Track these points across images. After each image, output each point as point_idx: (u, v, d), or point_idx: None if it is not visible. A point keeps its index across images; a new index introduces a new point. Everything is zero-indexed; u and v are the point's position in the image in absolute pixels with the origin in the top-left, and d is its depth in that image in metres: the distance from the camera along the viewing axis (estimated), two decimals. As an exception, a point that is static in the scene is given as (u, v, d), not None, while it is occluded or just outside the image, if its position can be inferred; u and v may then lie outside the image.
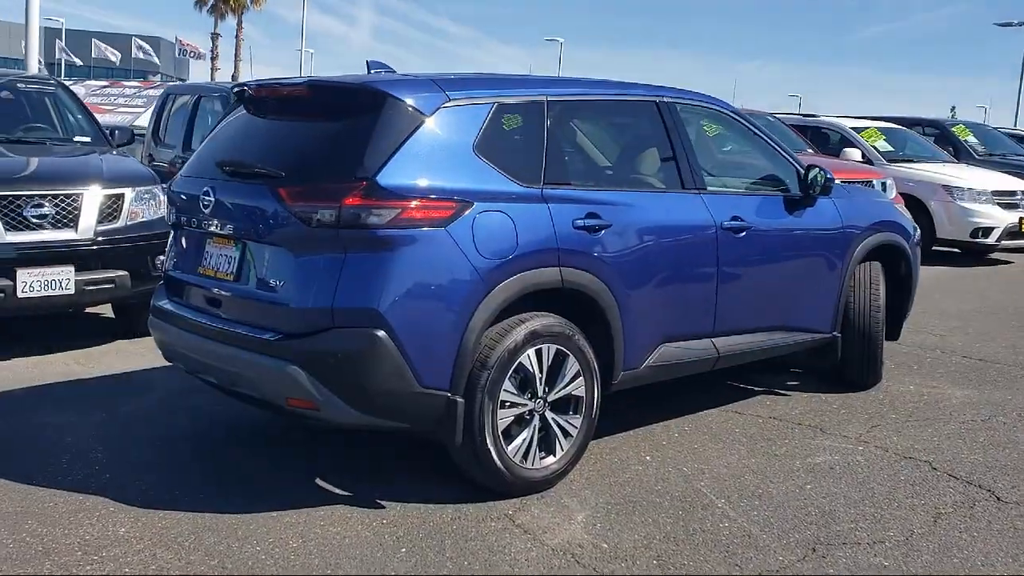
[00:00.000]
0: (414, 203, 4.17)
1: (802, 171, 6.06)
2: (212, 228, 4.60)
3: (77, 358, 7.03)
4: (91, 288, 6.84)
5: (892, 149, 14.53)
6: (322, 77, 4.75)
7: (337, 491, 4.65)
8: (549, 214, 4.62)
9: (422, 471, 4.88)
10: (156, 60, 63.70)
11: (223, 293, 4.55)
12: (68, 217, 6.78)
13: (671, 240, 5.20)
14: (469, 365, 4.32)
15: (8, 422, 5.53)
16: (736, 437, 5.63)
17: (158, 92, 30.48)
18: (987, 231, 13.49)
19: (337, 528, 4.22)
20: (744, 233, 5.57)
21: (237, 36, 60.18)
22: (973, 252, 14.37)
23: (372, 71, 5.06)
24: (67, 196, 6.79)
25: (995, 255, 14.82)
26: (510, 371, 4.46)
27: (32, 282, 6.51)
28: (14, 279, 6.47)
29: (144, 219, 7.18)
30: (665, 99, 5.48)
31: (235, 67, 59.78)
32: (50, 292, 6.63)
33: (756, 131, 6.08)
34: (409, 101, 4.35)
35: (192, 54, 58.68)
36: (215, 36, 60.73)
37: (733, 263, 5.54)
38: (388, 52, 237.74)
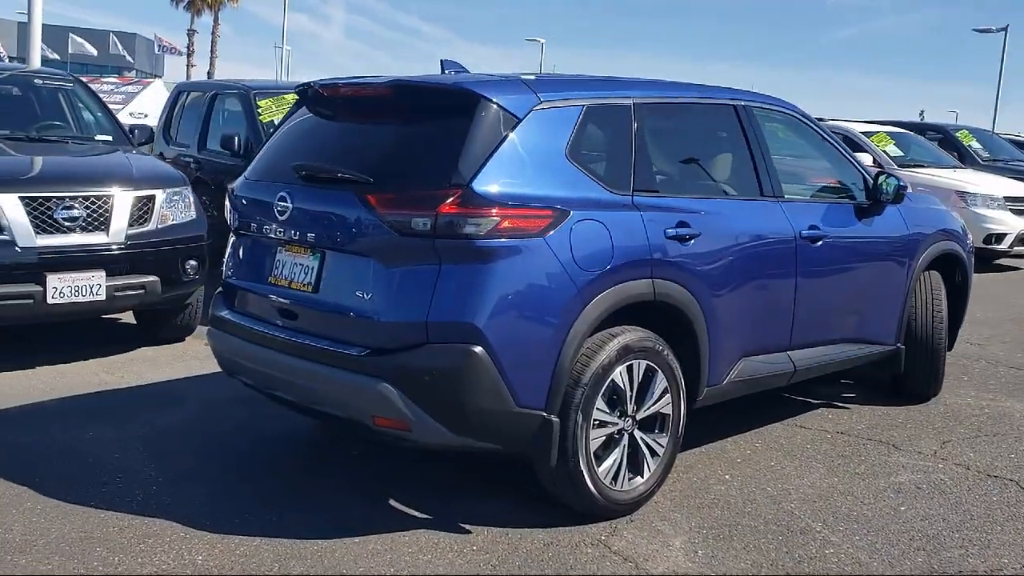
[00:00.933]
0: (512, 211, 3.94)
1: (870, 178, 5.88)
2: (286, 236, 4.33)
3: (103, 367, 6.72)
4: (122, 294, 6.53)
5: (902, 154, 14.43)
6: (408, 77, 4.49)
7: (414, 513, 4.40)
8: (642, 223, 4.40)
9: (494, 489, 4.63)
10: (130, 57, 62.93)
11: (299, 305, 4.28)
12: (99, 220, 6.46)
13: (755, 250, 4.99)
14: (565, 383, 4.08)
15: (46, 437, 5.24)
16: (810, 454, 5.43)
17: (136, 88, 30.09)
18: (1000, 237, 13.43)
19: (427, 556, 3.97)
20: (820, 243, 5.38)
21: (213, 32, 59.57)
22: (981, 258, 14.28)
23: (446, 70, 4.80)
24: (98, 198, 6.47)
25: (1003, 261, 14.77)
26: (603, 388, 4.23)
27: (63, 288, 6.20)
28: (44, 285, 6.15)
29: (174, 222, 6.88)
30: (742, 102, 5.27)
31: (211, 64, 59.13)
32: (81, 298, 6.32)
33: (825, 136, 5.88)
34: (502, 103, 4.11)
35: (171, 50, 57.97)
36: (191, 32, 60.04)
37: (810, 273, 5.35)
38: (360, 51, 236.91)
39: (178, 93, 10.15)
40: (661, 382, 4.51)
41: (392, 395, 3.90)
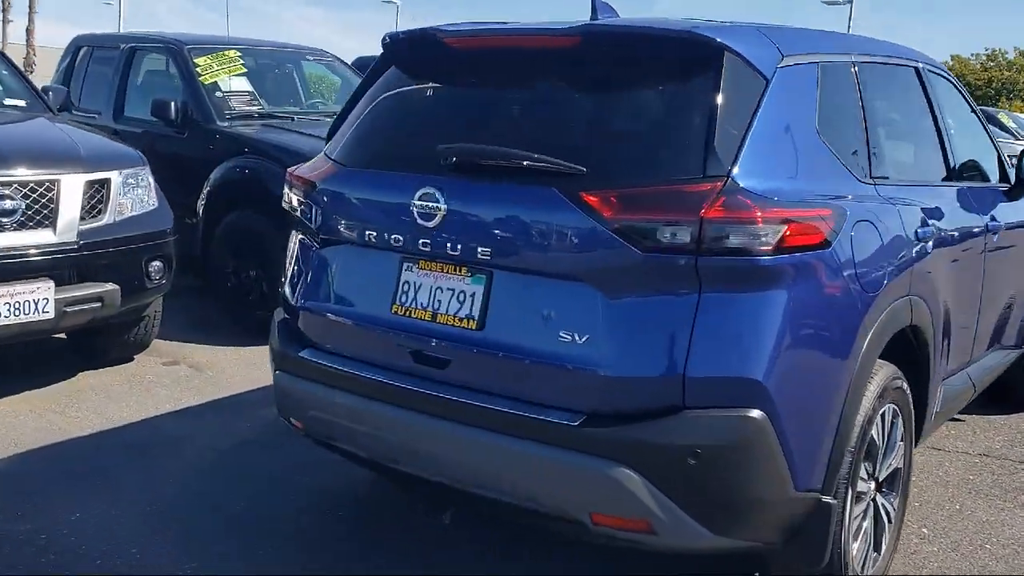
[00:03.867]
0: (794, 213, 2.75)
1: (1006, 157, 4.96)
2: (429, 249, 3.00)
3: (46, 404, 5.14)
4: (73, 309, 4.97)
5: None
6: (611, 22, 3.20)
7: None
8: (900, 223, 3.30)
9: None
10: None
11: (452, 346, 2.97)
12: (42, 213, 4.86)
13: (963, 249, 3.99)
14: (845, 450, 2.95)
15: (6, 524, 3.72)
16: (976, 486, 4.57)
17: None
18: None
19: None
20: (997, 235, 4.42)
21: (30, -16, 54.43)
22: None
23: (599, 14, 3.50)
24: (39, 184, 4.87)
25: None
26: (864, 448, 3.13)
27: None
28: (-28, 304, 4.53)
29: (133, 213, 5.34)
30: (920, 63, 4.22)
31: (29, 20, 54.17)
32: (21, 318, 4.74)
33: (973, 106, 4.91)
34: (749, 58, 2.93)
35: (-16, 4, 52.66)
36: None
37: (990, 272, 4.41)
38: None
39: (77, 48, 8.31)
40: (898, 428, 3.45)
41: (635, 485, 2.67)
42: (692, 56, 2.89)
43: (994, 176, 4.89)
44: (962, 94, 4.81)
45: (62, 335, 5.79)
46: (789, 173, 2.91)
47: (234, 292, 6.65)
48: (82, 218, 5.01)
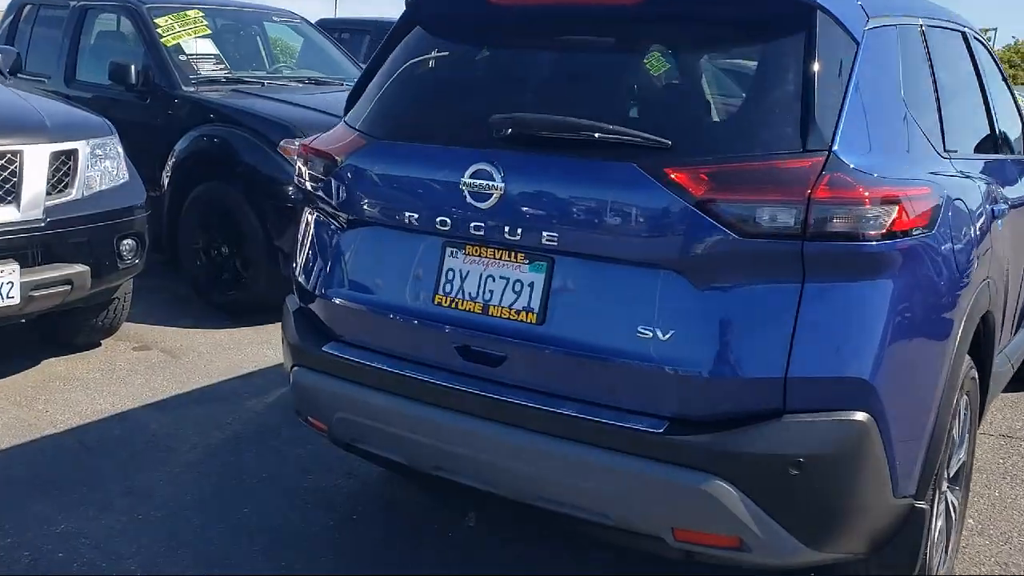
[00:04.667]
0: (901, 192, 2.47)
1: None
2: (481, 232, 2.66)
3: (8, 396, 4.69)
4: (41, 293, 4.53)
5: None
6: None
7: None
8: (980, 200, 3.05)
9: None
10: None
11: (507, 341, 2.64)
12: (4, 188, 4.40)
13: (1017, 224, 3.76)
14: (938, 452, 2.71)
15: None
16: (1008, 471, 4.42)
17: None
18: None
19: None
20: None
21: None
22: None
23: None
24: (0, 157, 4.39)
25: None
26: (949, 445, 2.90)
27: (-39, 293, 4.14)
28: (-69, 291, 4.08)
29: (103, 187, 4.90)
30: (967, 30, 3.98)
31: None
32: (-16, 305, 4.27)
33: (1004, 75, 4.69)
34: (840, 18, 2.63)
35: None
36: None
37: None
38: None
39: (21, 5, 7.70)
40: (968, 420, 3.22)
41: (730, 499, 2.39)
42: (782, 14, 2.59)
43: (1019, 146, 4.69)
44: (996, 62, 4.58)
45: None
46: (885, 147, 2.63)
47: (205, 270, 6.22)
48: (48, 193, 4.56)
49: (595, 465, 2.52)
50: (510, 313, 2.66)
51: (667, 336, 2.45)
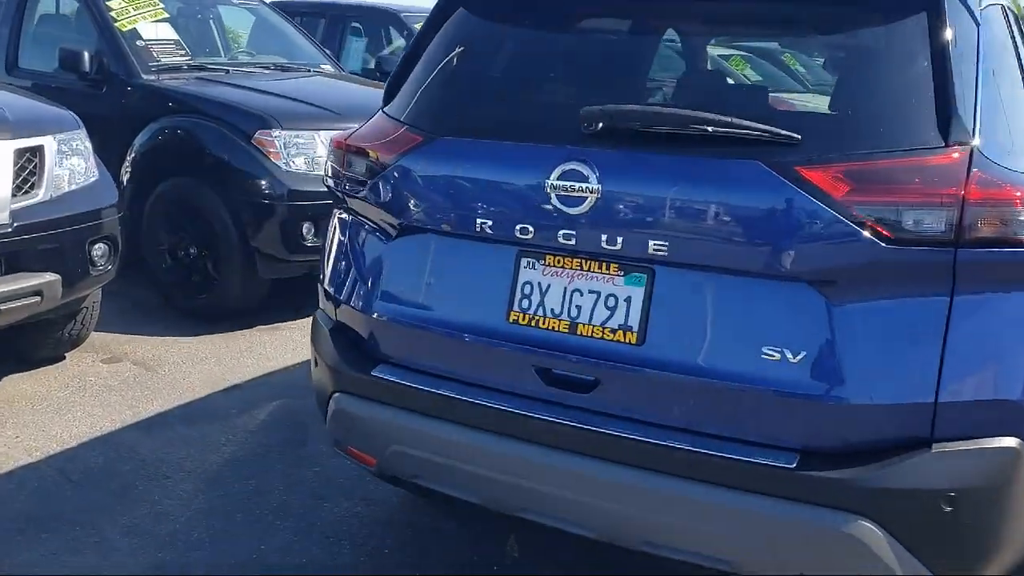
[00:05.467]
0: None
1: None
2: (572, 242, 2.33)
3: (-29, 420, 4.23)
4: (8, 306, 4.07)
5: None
6: None
7: None
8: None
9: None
10: None
11: (599, 364, 2.33)
12: (-35, 189, 3.93)
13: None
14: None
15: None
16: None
17: None
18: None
19: None
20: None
21: None
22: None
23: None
24: (-40, 153, 3.92)
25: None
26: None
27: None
28: None
29: (73, 187, 4.44)
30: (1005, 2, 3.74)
31: None
32: (-55, 321, 3.80)
33: None
34: (962, -3, 2.34)
35: None
36: None
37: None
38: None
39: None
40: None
41: (876, 541, 2.11)
42: None
43: None
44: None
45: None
46: (1016, 139, 2.36)
47: (172, 273, 5.77)
48: (13, 195, 4.09)
49: (713, 506, 2.22)
50: (603, 332, 2.34)
51: (797, 358, 2.16)
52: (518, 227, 2.39)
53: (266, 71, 6.63)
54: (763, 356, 2.18)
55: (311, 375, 2.96)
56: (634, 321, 2.31)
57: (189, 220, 5.65)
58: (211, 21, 7.23)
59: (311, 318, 3.01)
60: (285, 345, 5.35)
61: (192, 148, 5.62)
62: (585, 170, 2.28)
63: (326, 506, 3.58)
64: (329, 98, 5.99)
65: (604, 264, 2.35)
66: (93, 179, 4.50)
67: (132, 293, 5.91)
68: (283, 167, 5.39)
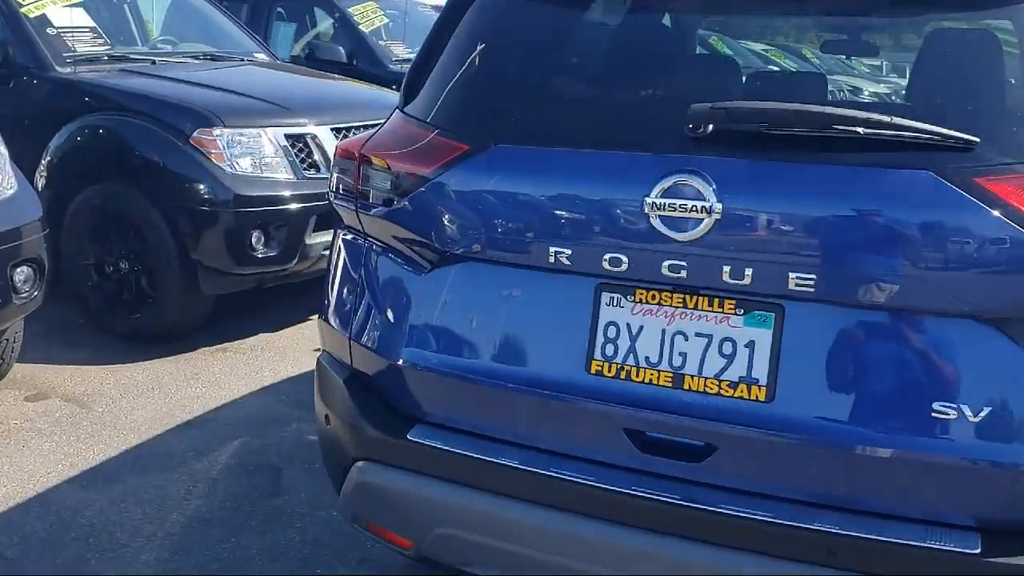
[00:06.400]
0: None
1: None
2: (682, 274, 1.86)
3: None
4: (-83, 348, 3.40)
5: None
6: None
7: None
8: None
9: None
10: None
11: (718, 427, 1.86)
12: None
13: None
14: None
15: None
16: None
17: None
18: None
19: None
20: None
21: None
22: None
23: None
24: None
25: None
26: None
27: None
28: None
29: (-11, 201, 3.76)
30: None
31: None
32: None
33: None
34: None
35: None
36: None
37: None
38: None
39: None
40: None
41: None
42: None
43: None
44: None
45: None
46: None
47: (99, 292, 5.11)
48: (-82, 214, 3.43)
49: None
50: (718, 386, 1.87)
51: (979, 415, 1.72)
52: (606, 257, 1.90)
53: (196, 61, 5.97)
54: (933, 414, 1.74)
55: (320, 435, 2.43)
56: (760, 372, 1.85)
57: (118, 231, 5.01)
58: (126, 6, 6.51)
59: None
60: (236, 369, 4.76)
61: (119, 150, 4.97)
62: (699, 184, 1.81)
63: (318, 572, 3.04)
64: (272, 90, 5.39)
65: (716, 301, 1.88)
66: (11, 191, 3.85)
67: (52, 312, 5.21)
68: (227, 169, 4.79)
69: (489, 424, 2.09)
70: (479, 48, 2.17)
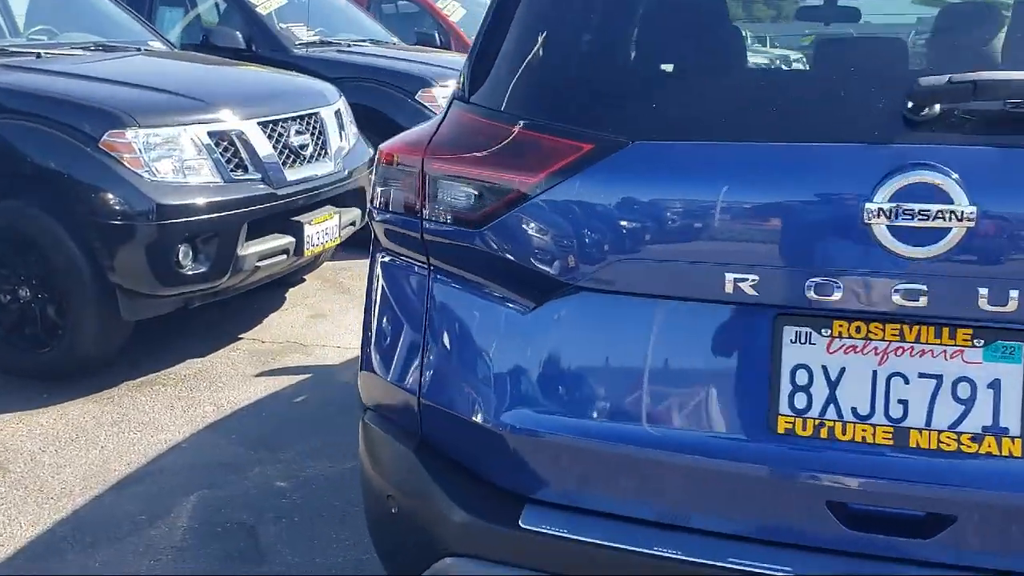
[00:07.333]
0: None
1: None
2: (915, 302, 1.42)
3: None
4: None
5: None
6: None
7: None
8: None
9: None
10: None
11: (954, 492, 1.44)
12: None
13: None
14: None
15: None
16: None
17: None
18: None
19: None
20: None
21: None
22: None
23: None
24: None
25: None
26: None
27: None
28: None
29: None
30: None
31: None
32: None
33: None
34: None
35: None
36: None
37: None
38: None
39: None
40: None
41: None
42: None
43: None
44: None
45: None
46: None
47: (-2, 326, 4.38)
48: None
49: None
50: (953, 441, 1.45)
51: None
52: (810, 284, 1.44)
53: (87, 53, 5.23)
54: None
55: (376, 519, 1.90)
56: (1011, 419, 1.43)
57: (16, 254, 4.30)
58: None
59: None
60: (169, 404, 4.15)
61: (12, 161, 4.24)
62: (944, 182, 1.37)
63: (339, 663, 2.52)
64: (186, 83, 4.74)
65: (946, 331, 1.45)
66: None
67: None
68: (144, 176, 4.14)
69: (631, 503, 1.62)
70: (599, 13, 1.66)
